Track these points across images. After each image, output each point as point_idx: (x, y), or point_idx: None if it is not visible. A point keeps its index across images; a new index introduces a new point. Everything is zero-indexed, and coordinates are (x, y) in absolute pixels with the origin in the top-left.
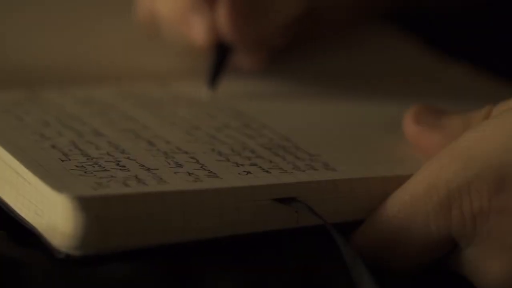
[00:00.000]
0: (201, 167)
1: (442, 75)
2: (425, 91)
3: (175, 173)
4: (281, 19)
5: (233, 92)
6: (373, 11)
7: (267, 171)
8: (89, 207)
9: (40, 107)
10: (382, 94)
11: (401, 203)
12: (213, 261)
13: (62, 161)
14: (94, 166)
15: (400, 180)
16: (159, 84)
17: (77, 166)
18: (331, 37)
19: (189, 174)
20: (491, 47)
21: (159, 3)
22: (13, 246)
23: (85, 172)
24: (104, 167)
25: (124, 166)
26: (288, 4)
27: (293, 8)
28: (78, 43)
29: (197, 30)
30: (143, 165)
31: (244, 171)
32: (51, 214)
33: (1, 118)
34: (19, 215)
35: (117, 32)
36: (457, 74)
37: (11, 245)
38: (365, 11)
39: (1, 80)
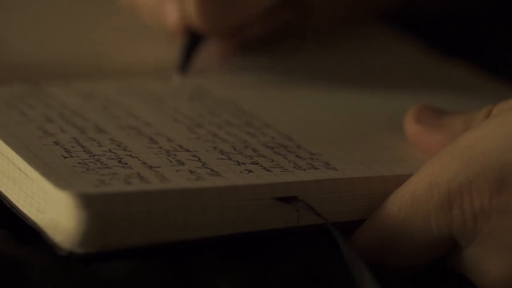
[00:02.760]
0: (203, 165)
1: (442, 75)
2: (425, 91)
3: (177, 171)
4: (254, 7)
5: (234, 89)
6: (367, 10)
7: (268, 170)
8: (91, 204)
9: (44, 102)
10: (382, 94)
11: (402, 202)
12: (214, 259)
13: (65, 158)
14: (96, 164)
15: (400, 180)
16: (161, 79)
17: (79, 163)
18: (327, 34)
19: (191, 172)
20: (491, 47)
21: None
22: (15, 244)
23: (88, 169)
24: (106, 165)
25: (126, 164)
26: None
27: None
28: (82, 38)
29: (170, 17)
30: (145, 163)
31: (246, 170)
32: (54, 211)
33: (5, 113)
34: (21, 211)
35: (121, 27)
36: (457, 74)
37: (13, 244)
38: (358, 9)
39: (5, 75)
